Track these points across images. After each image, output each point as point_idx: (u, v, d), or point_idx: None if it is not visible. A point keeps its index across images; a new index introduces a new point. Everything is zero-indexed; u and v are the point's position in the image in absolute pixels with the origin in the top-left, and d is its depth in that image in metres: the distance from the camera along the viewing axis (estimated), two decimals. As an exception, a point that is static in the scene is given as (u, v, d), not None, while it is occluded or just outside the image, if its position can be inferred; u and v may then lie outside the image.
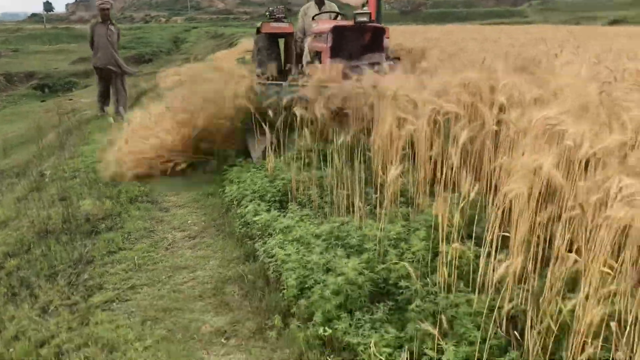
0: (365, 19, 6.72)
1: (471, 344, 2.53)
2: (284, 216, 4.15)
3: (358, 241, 3.50)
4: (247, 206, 4.51)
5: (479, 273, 2.83)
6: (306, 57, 7.66)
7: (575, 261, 2.53)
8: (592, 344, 2.26)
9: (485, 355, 2.40)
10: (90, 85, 17.57)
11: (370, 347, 2.59)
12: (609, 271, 2.37)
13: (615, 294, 2.31)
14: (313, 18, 7.92)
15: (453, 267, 2.96)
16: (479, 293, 2.81)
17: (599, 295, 2.35)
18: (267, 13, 8.72)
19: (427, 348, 2.54)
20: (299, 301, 3.08)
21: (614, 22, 34.66)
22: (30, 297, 3.62)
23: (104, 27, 9.31)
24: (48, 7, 77.56)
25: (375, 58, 6.53)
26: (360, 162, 4.09)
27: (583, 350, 2.31)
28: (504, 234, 2.90)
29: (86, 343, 3.06)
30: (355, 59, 6.34)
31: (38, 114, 13.11)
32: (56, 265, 3.99)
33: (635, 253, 2.49)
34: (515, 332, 2.58)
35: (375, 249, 3.37)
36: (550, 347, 2.42)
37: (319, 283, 3.10)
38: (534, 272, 2.80)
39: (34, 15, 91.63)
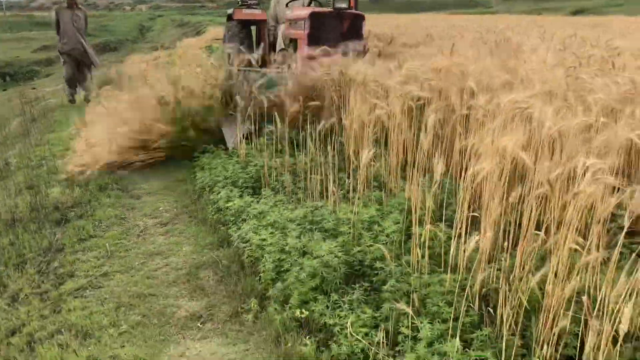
0: (344, 5, 6.60)
1: (445, 321, 2.59)
2: (258, 202, 4.15)
3: (333, 225, 3.52)
4: (219, 192, 4.49)
5: (451, 254, 2.89)
6: (280, 45, 7.57)
7: (544, 238, 2.61)
8: (563, 317, 2.34)
9: (458, 332, 2.46)
10: (53, 73, 17.16)
11: (346, 328, 2.63)
12: (577, 247, 2.45)
13: (585, 269, 2.39)
14: (287, 5, 7.81)
15: (426, 249, 3.01)
16: (451, 273, 2.87)
17: (568, 271, 2.43)
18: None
19: (402, 327, 2.59)
20: (276, 284, 3.10)
21: (576, 12, 35.39)
22: (-1, 286, 3.56)
23: (70, 12, 9.07)
24: (7, -6, 75.17)
25: (354, 46, 6.48)
26: (333, 147, 4.12)
27: (554, 325, 2.39)
28: (474, 214, 2.96)
29: (59, 330, 3.03)
30: (334, 46, 6.28)
31: (0, 102, 12.75)
32: (25, 254, 3.92)
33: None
34: (489, 309, 2.65)
35: (349, 232, 3.41)
36: (521, 322, 2.49)
37: (295, 266, 3.12)
38: (505, 251, 2.88)
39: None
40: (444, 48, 5.68)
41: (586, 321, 2.37)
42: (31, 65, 21.59)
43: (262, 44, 7.28)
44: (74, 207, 4.68)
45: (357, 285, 2.98)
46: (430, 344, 2.47)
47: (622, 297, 2.08)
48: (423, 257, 3.00)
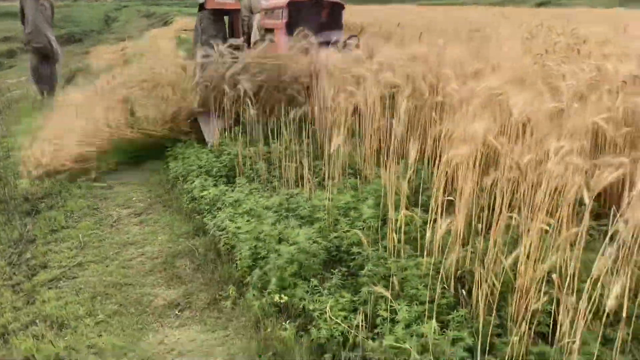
0: None
1: (422, 303, 2.64)
2: (233, 190, 4.14)
3: (309, 212, 3.55)
4: (193, 182, 4.47)
5: (427, 238, 2.94)
6: (255, 36, 7.46)
7: (515, 219, 2.68)
8: (535, 297, 2.41)
9: (434, 314, 2.51)
10: (15, 65, 16.69)
11: (326, 312, 2.66)
12: (547, 227, 2.52)
13: (557, 250, 2.46)
14: None
15: (402, 233, 3.06)
16: (427, 256, 2.92)
17: (539, 252, 2.50)
18: None
19: (381, 309, 2.63)
20: (253, 271, 3.10)
21: (540, 4, 35.91)
22: (-31, 278, 3.48)
23: (35, 1, 8.80)
24: (-36, -18, 72.77)
25: (334, 35, 6.41)
26: (307, 135, 4.13)
27: (527, 304, 2.46)
28: (449, 198, 3.01)
29: (33, 321, 2.98)
30: (313, 36, 6.20)
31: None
32: (-5, 246, 3.85)
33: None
34: (463, 290, 2.71)
35: (326, 219, 3.43)
36: (496, 303, 2.55)
37: (273, 253, 3.13)
38: (479, 234, 2.94)
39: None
40: (415, 37, 5.73)
41: (558, 300, 2.46)
42: (-8, 57, 20.96)
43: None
44: (44, 198, 4.60)
45: (336, 270, 3.00)
46: (408, 326, 2.52)
47: (602, 275, 2.15)
48: (399, 241, 3.05)
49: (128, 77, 6.17)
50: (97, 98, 6.04)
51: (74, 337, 2.83)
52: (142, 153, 5.48)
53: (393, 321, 2.57)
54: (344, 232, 3.27)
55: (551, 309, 2.51)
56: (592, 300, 2.14)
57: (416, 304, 2.64)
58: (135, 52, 10.69)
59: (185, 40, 13.90)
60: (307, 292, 2.88)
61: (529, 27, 7.67)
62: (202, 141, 5.39)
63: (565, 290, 2.38)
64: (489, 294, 2.56)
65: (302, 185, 3.95)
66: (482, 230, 2.98)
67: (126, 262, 3.61)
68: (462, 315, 2.58)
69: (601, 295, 2.17)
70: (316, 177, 4.09)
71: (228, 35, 8.20)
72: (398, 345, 2.39)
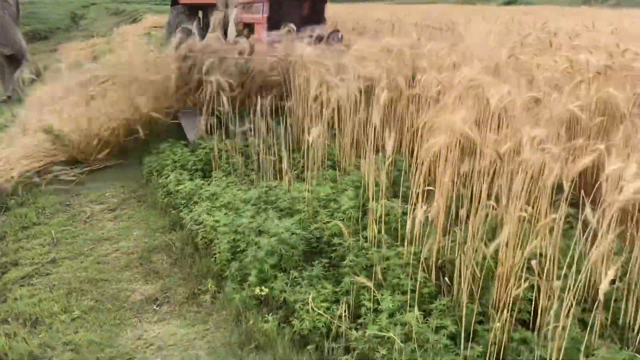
0: None
1: (404, 293, 2.63)
2: (209, 184, 4.09)
3: (289, 204, 3.52)
4: (168, 176, 4.40)
5: (407, 228, 2.93)
6: (232, 32, 7.32)
7: (494, 207, 2.69)
8: (516, 285, 2.42)
9: (416, 303, 2.51)
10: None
11: (308, 304, 2.63)
12: (525, 214, 2.54)
13: (536, 235, 2.47)
14: None
15: (382, 223, 3.05)
16: (408, 246, 2.91)
17: (519, 239, 2.52)
18: None
19: (364, 299, 2.61)
20: (232, 264, 3.06)
21: (508, 3, 36.41)
22: None
23: None
24: None
25: (316, 30, 6.33)
26: (284, 128, 4.09)
27: (508, 292, 2.47)
28: (428, 188, 3.02)
29: (5, 320, 2.90)
30: (295, 31, 5.93)
31: None
32: (-38, 244, 3.72)
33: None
34: (446, 279, 2.71)
35: (306, 210, 3.40)
36: (478, 291, 2.56)
37: (252, 245, 3.09)
38: (458, 223, 2.95)
39: None
40: (391, 33, 5.75)
41: (539, 287, 2.48)
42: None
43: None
44: (13, 195, 4.46)
45: (316, 262, 2.98)
46: (391, 315, 2.51)
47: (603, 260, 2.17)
48: (380, 232, 3.04)
49: (99, 71, 5.99)
50: (67, 93, 5.87)
51: (48, 334, 2.75)
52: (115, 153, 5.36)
53: (376, 311, 2.56)
54: (324, 223, 3.25)
55: (532, 296, 2.53)
56: (570, 286, 2.16)
57: (398, 294, 2.64)
58: (105, 49, 10.47)
59: (155, 37, 13.69)
60: (287, 284, 2.85)
61: (503, 21, 7.79)
62: (180, 138, 5.28)
63: (544, 277, 2.40)
64: (471, 282, 2.57)
65: (281, 177, 3.92)
66: (462, 219, 2.99)
67: (101, 257, 3.52)
68: (444, 304, 2.59)
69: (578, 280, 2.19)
70: (295, 170, 4.06)
71: (203, 31, 8.07)
72: (382, 334, 2.39)
